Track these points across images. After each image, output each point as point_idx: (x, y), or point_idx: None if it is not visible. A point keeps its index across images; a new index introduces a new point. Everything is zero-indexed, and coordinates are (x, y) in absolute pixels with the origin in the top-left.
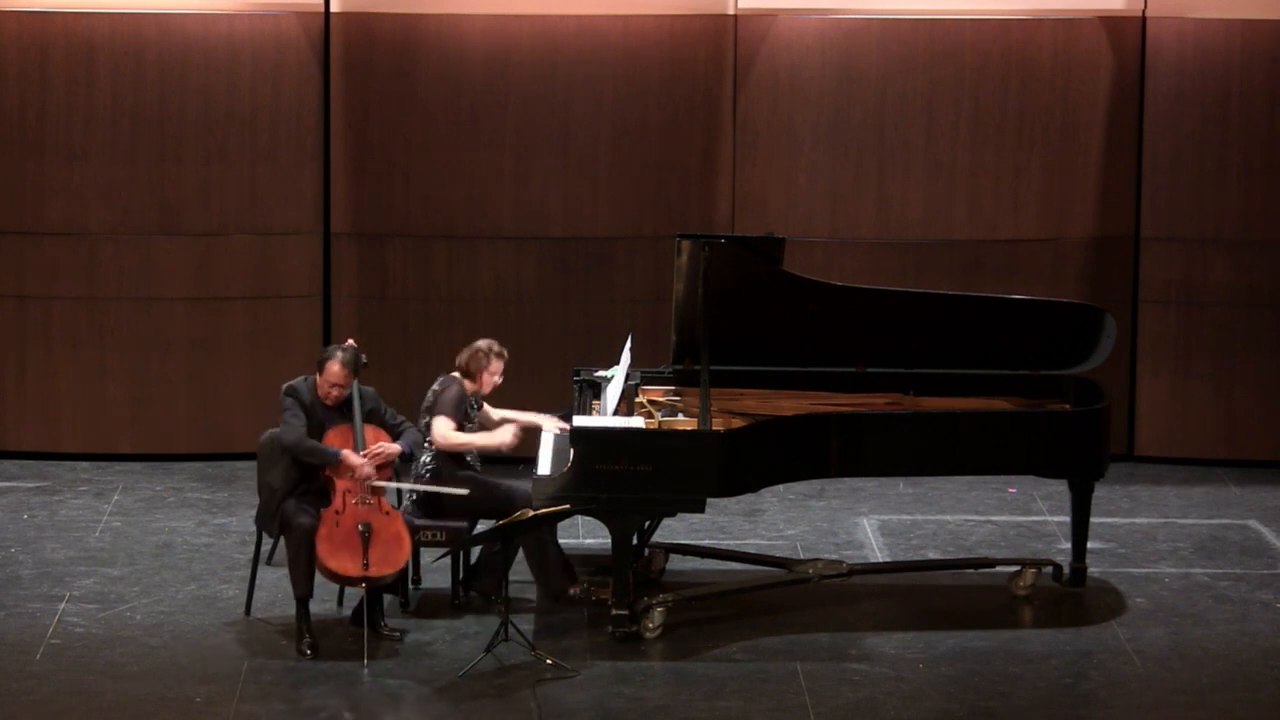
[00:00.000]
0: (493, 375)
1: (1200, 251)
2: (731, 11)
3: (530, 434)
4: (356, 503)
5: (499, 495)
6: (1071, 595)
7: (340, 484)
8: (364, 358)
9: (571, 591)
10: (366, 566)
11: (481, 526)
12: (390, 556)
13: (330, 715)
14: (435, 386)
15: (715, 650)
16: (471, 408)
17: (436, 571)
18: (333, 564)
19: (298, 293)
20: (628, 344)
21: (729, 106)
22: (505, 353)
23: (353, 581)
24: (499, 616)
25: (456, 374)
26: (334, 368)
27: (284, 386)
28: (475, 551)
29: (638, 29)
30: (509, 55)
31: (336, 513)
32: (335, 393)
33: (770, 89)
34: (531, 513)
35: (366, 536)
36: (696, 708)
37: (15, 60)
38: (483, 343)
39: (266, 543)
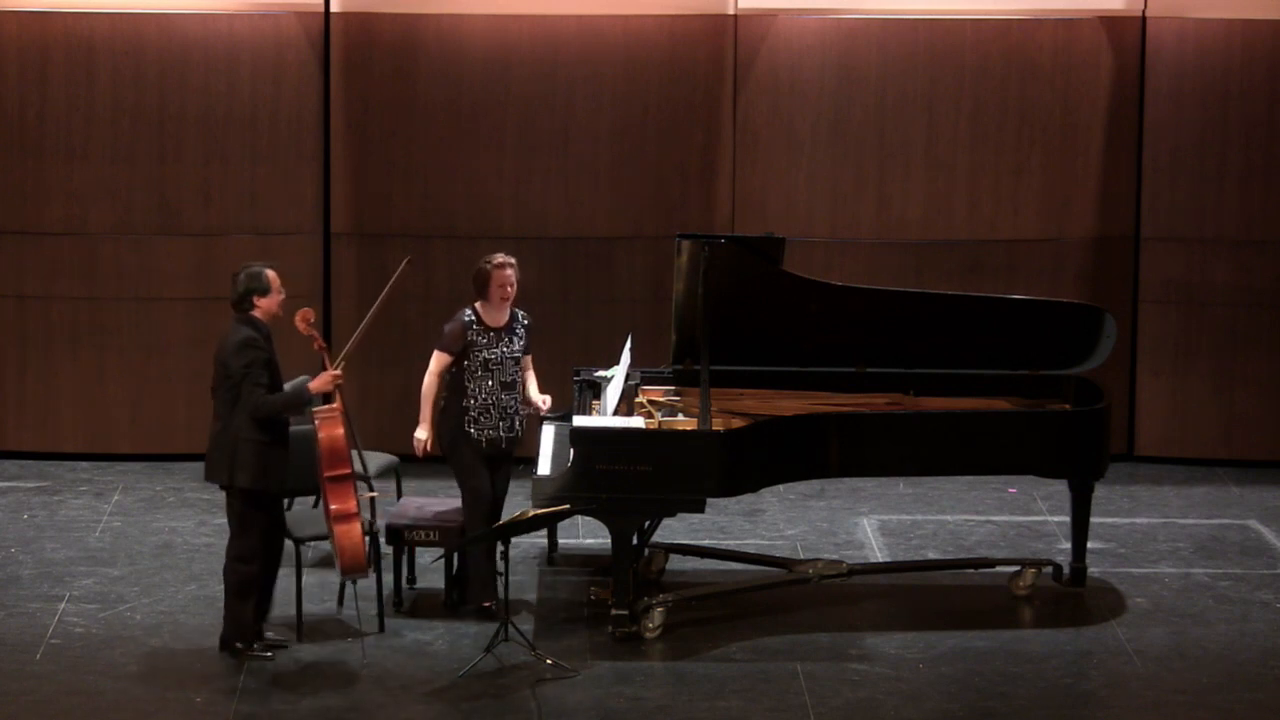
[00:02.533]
0: (500, 287)
1: (1200, 251)
2: (731, 11)
3: (530, 433)
4: (364, 500)
5: (483, 507)
6: (1071, 595)
7: (351, 481)
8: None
9: (486, 605)
10: (370, 565)
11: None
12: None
13: (330, 715)
14: None
15: (715, 650)
16: (480, 335)
17: (434, 572)
18: (351, 564)
19: (298, 293)
20: (628, 344)
21: (729, 106)
22: (511, 260)
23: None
24: (499, 616)
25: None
26: (271, 273)
27: (240, 341)
28: (457, 562)
29: (638, 29)
30: (509, 55)
31: (354, 515)
32: (282, 297)
33: (770, 89)
34: (532, 513)
35: (372, 539)
36: (696, 708)
37: (15, 60)
38: (490, 256)
39: None
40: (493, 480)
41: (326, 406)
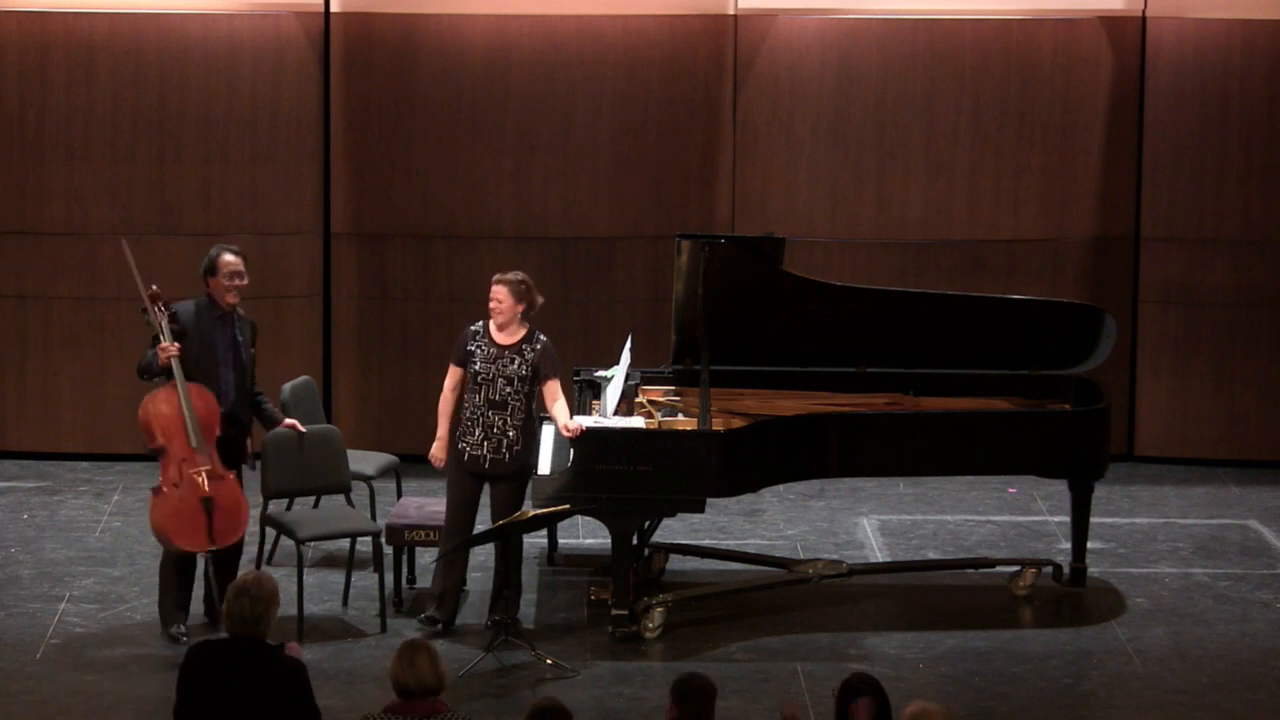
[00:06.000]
0: (491, 301)
1: (1200, 251)
2: (731, 11)
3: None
4: (194, 473)
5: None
6: (1071, 595)
7: (173, 454)
8: None
9: (501, 617)
10: (213, 540)
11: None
12: (232, 523)
13: (330, 715)
14: None
15: (715, 650)
16: (481, 347)
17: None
18: (180, 543)
19: (298, 293)
20: (628, 344)
21: (729, 106)
22: (501, 279)
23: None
24: (499, 616)
25: None
26: (228, 258)
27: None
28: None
29: (638, 29)
30: (509, 55)
31: (174, 485)
32: (239, 283)
33: (770, 89)
34: (532, 513)
35: (210, 510)
36: None
37: (15, 60)
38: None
39: (267, 542)
40: (494, 500)
41: (158, 383)
